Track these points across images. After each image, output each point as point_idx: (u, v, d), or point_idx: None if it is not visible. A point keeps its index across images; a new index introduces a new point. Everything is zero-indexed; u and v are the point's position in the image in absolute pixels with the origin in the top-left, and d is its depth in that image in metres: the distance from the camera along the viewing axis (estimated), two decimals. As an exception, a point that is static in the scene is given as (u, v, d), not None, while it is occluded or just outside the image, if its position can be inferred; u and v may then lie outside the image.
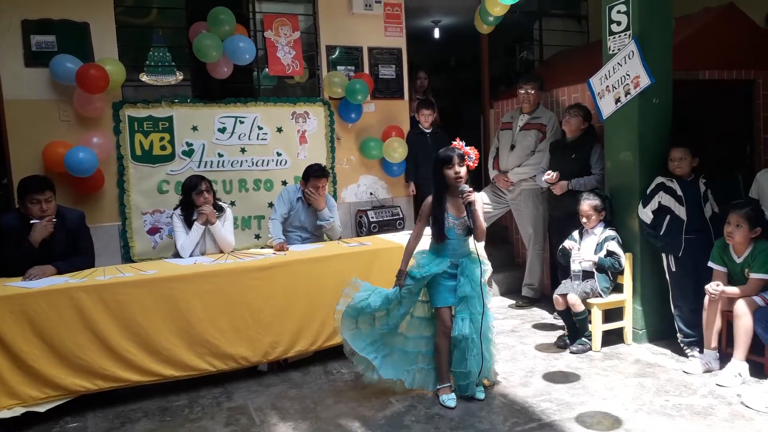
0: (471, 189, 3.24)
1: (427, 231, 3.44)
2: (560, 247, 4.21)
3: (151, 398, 3.52)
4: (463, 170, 3.25)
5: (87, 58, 4.59)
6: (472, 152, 3.31)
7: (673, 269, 3.85)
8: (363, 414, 3.22)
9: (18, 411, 3.14)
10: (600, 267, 4.02)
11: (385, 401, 3.38)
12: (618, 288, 4.14)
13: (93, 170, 4.47)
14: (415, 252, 3.44)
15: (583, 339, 4.01)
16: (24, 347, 3.19)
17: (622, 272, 4.08)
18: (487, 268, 3.47)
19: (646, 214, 3.92)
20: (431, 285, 3.35)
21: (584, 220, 4.12)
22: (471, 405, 3.27)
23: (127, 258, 4.79)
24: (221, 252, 4.21)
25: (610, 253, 4.01)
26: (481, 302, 3.28)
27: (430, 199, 3.38)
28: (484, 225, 3.33)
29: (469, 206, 3.22)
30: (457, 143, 3.33)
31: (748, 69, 4.73)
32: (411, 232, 4.74)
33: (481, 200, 3.43)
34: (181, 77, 5.17)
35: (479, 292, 3.28)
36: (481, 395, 3.33)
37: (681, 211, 3.77)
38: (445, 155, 3.27)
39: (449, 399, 3.27)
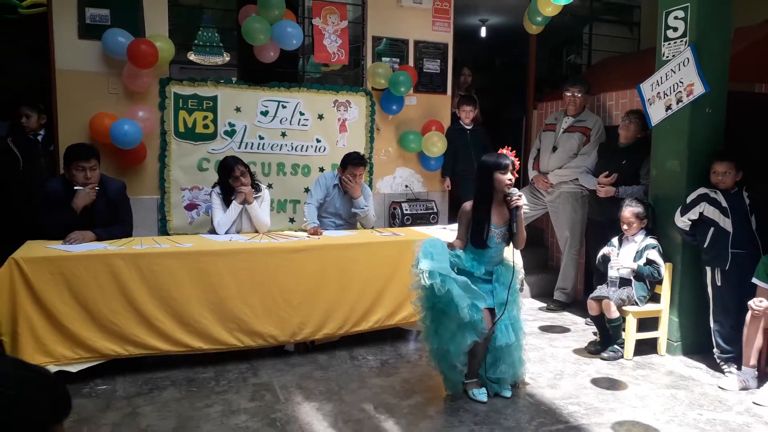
0: (520, 193, 3.21)
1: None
2: (600, 253, 4.13)
3: (178, 368, 3.56)
4: (512, 177, 3.22)
5: (138, 34, 4.66)
6: (517, 161, 3.28)
7: (718, 283, 3.73)
8: (387, 401, 3.21)
9: (51, 369, 3.20)
10: (638, 275, 3.92)
11: (410, 390, 3.35)
12: (655, 298, 4.04)
13: (137, 143, 4.54)
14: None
15: (615, 346, 3.93)
16: (60, 308, 3.26)
17: (660, 282, 3.97)
18: (521, 275, 3.43)
19: (683, 221, 3.82)
20: None
21: (625, 227, 4.03)
22: (496, 402, 3.23)
23: (164, 231, 4.86)
24: (256, 232, 4.25)
25: (649, 262, 3.92)
26: (517, 308, 3.27)
27: (469, 205, 3.30)
28: (525, 233, 3.29)
29: (516, 210, 3.18)
30: (506, 151, 3.27)
31: (807, 84, 4.57)
32: (445, 226, 4.75)
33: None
34: (227, 58, 5.23)
35: (515, 299, 3.26)
36: (507, 393, 3.29)
37: (726, 224, 3.66)
38: (500, 161, 3.20)
39: (480, 393, 3.23)
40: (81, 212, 3.74)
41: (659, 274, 3.91)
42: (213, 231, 4.23)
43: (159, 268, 3.45)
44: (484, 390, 3.25)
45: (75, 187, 3.72)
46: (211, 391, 3.29)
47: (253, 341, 3.64)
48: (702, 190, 3.76)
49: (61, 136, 4.58)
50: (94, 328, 3.32)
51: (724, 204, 3.66)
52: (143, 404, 3.11)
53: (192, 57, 5.12)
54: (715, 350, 3.73)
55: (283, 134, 5.22)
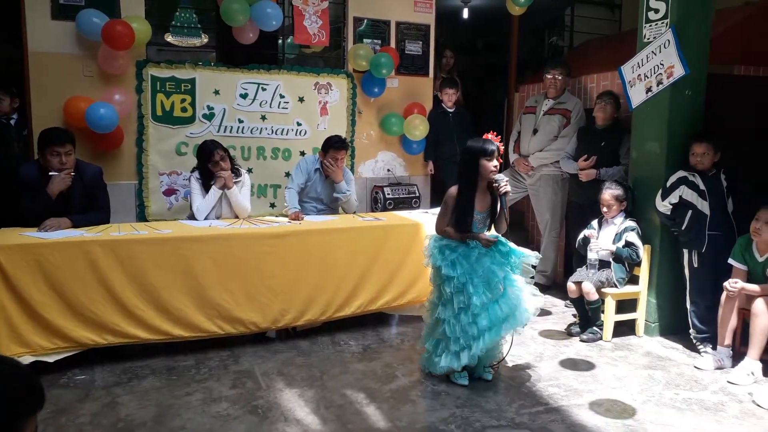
0: (506, 179, 3.21)
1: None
2: (581, 235, 4.15)
3: (158, 357, 3.53)
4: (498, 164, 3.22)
5: (114, 14, 4.55)
6: (501, 146, 3.28)
7: (695, 265, 3.78)
8: (369, 386, 3.22)
9: (27, 359, 3.17)
10: (617, 257, 3.96)
11: (392, 375, 3.37)
12: (633, 279, 4.08)
13: (113, 127, 4.46)
14: (430, 241, 3.36)
15: (594, 328, 3.97)
16: (36, 297, 3.20)
17: (639, 264, 4.02)
18: None
19: (664, 206, 3.85)
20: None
21: (605, 209, 4.06)
22: (477, 384, 3.25)
23: (142, 217, 4.80)
24: (236, 217, 4.21)
25: (628, 244, 3.95)
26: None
27: (454, 190, 3.27)
28: (509, 218, 3.32)
29: (504, 197, 3.20)
30: (492, 136, 3.25)
31: (785, 67, 4.60)
32: (427, 210, 4.74)
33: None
34: (206, 40, 5.14)
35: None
36: (489, 376, 3.31)
37: (704, 206, 3.69)
38: (486, 146, 3.18)
39: (461, 377, 3.25)
40: (56, 198, 3.67)
41: (638, 256, 3.95)
42: (192, 217, 4.18)
43: (137, 255, 3.41)
44: (465, 374, 3.27)
45: (50, 173, 3.64)
46: (192, 379, 3.27)
47: (234, 328, 3.62)
48: (681, 173, 3.79)
49: (35, 120, 4.48)
50: (72, 317, 3.27)
51: (702, 187, 3.70)
52: (122, 393, 3.08)
53: (169, 38, 5.02)
54: (691, 331, 3.79)
55: (263, 117, 5.16)
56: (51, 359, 3.25)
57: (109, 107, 4.42)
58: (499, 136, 3.29)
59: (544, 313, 4.59)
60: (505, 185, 3.18)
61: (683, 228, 3.78)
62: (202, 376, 3.32)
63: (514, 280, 3.23)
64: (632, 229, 3.98)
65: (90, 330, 3.31)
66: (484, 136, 3.26)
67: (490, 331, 3.14)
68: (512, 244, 3.33)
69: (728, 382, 3.31)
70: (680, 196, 3.77)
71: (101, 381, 3.24)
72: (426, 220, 4.19)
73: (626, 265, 4.01)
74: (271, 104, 5.17)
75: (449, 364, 3.18)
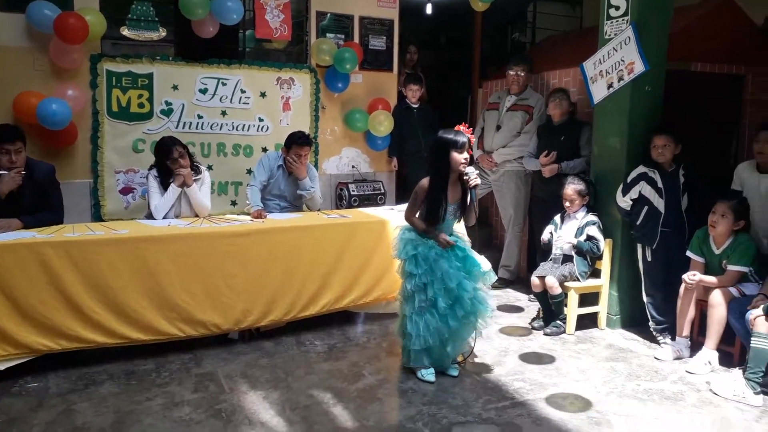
0: (477, 172, 3.22)
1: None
2: (546, 232, 4.20)
3: (116, 361, 3.42)
4: (468, 156, 3.22)
5: (66, 6, 4.38)
6: (472, 138, 3.29)
7: (649, 259, 3.86)
8: (335, 386, 3.18)
9: (-24, 367, 3.04)
10: (579, 250, 4.01)
11: (358, 374, 3.34)
12: (595, 273, 4.14)
13: (66, 123, 4.29)
14: (398, 234, 3.37)
15: (558, 322, 4.02)
16: (-15, 302, 3.06)
17: (600, 257, 4.07)
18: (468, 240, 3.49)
19: (625, 201, 3.91)
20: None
21: (567, 204, 4.10)
22: (444, 381, 3.24)
23: (98, 217, 4.65)
24: (196, 216, 4.11)
25: (589, 238, 4.01)
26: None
27: (426, 182, 3.26)
28: (478, 210, 3.34)
29: (473, 190, 3.20)
30: (464, 128, 3.25)
31: (740, 65, 4.72)
32: (393, 207, 4.72)
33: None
34: (163, 34, 5.00)
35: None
36: (454, 372, 3.31)
37: (660, 204, 3.76)
38: (456, 138, 3.18)
39: (429, 374, 3.25)
40: (6, 198, 3.53)
41: (598, 249, 4.00)
42: (150, 216, 4.06)
43: (93, 256, 3.29)
44: (432, 370, 3.26)
45: (-1, 171, 3.49)
46: (152, 384, 3.17)
47: (195, 330, 3.53)
48: (641, 169, 3.85)
49: (-18, 116, 4.28)
50: (23, 322, 3.14)
51: (660, 185, 3.76)
52: (78, 401, 2.97)
53: (125, 32, 4.86)
54: (650, 322, 3.87)
55: (224, 113, 5.05)
56: (2, 366, 3.11)
57: (61, 103, 4.25)
58: (471, 128, 3.29)
59: (508, 308, 4.63)
60: (475, 178, 3.19)
61: (637, 223, 3.85)
62: (163, 380, 3.23)
63: (468, 285, 3.23)
64: (593, 223, 4.04)
65: (43, 335, 3.19)
66: (455, 128, 3.25)
67: (458, 332, 3.23)
68: (471, 251, 3.36)
69: (687, 371, 3.39)
70: (639, 192, 3.83)
71: (56, 388, 3.11)
72: (392, 216, 4.16)
73: (588, 258, 4.06)
74: (231, 99, 5.07)
75: (417, 362, 3.25)
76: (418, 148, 5.51)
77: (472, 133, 3.28)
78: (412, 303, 3.22)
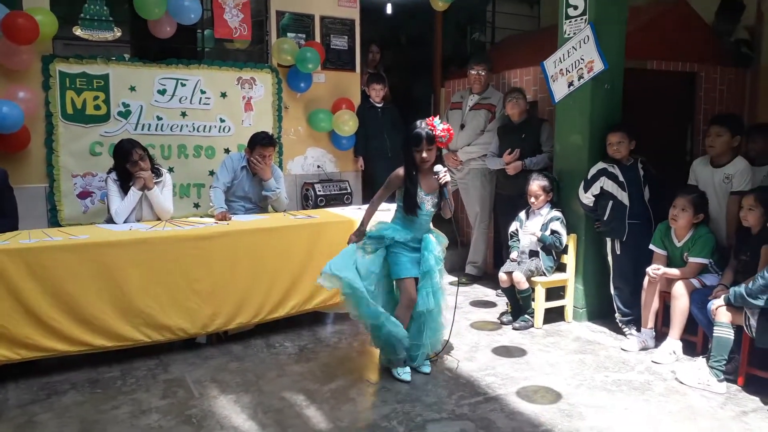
0: (446, 170, 3.21)
1: (384, 206, 3.39)
2: (512, 228, 4.25)
3: (79, 369, 3.31)
4: (430, 154, 3.17)
5: (14, 5, 4.21)
6: (447, 133, 3.21)
7: (618, 252, 3.93)
8: (307, 387, 3.14)
9: (-72, 381, 2.88)
10: (543, 244, 4.06)
11: (330, 374, 3.31)
12: (561, 268, 4.21)
13: (18, 127, 4.13)
14: (376, 222, 3.39)
15: (526, 316, 4.07)
16: (-64, 312, 2.92)
17: (563, 251, 4.14)
18: (445, 243, 3.45)
19: (587, 198, 3.98)
20: (392, 257, 3.29)
21: (533, 200, 4.15)
22: (417, 378, 3.24)
23: (55, 222, 4.48)
24: (158, 219, 4.01)
25: (552, 233, 4.06)
26: (440, 276, 3.31)
27: (401, 170, 3.26)
28: (453, 204, 3.34)
29: (445, 186, 3.20)
30: (432, 121, 3.20)
31: (693, 62, 4.88)
32: (361, 206, 4.69)
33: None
34: (119, 34, 4.85)
35: (439, 267, 3.31)
36: (427, 369, 3.32)
37: (624, 197, 3.84)
38: (414, 135, 3.17)
39: (404, 372, 3.23)
40: (-45, 205, 3.36)
41: (561, 243, 4.06)
42: (110, 220, 3.95)
43: (51, 263, 3.17)
44: (408, 369, 3.25)
45: (-53, 177, 3.33)
46: (118, 392, 3.07)
47: (161, 335, 3.44)
48: (600, 165, 3.93)
49: (-73, 120, 4.07)
50: (-22, 333, 3.01)
51: (621, 178, 3.85)
52: (40, 411, 2.85)
53: (78, 32, 4.69)
54: (616, 314, 3.95)
55: (184, 114, 4.94)
56: (-44, 379, 2.98)
57: (12, 105, 4.09)
58: (444, 120, 3.25)
59: (477, 303, 4.67)
60: (444, 175, 3.18)
61: (605, 218, 3.93)
62: (129, 387, 3.13)
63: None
64: (557, 219, 4.10)
65: (0, 345, 3.04)
66: (427, 121, 3.21)
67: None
68: (434, 262, 3.30)
69: (653, 361, 3.47)
70: (601, 188, 3.91)
71: (15, 399, 2.99)
72: (359, 216, 4.13)
73: (554, 254, 4.12)
74: (191, 100, 4.96)
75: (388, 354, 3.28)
76: (383, 147, 5.51)
77: (437, 127, 3.17)
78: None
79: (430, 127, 3.18)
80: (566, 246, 4.14)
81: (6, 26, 4.04)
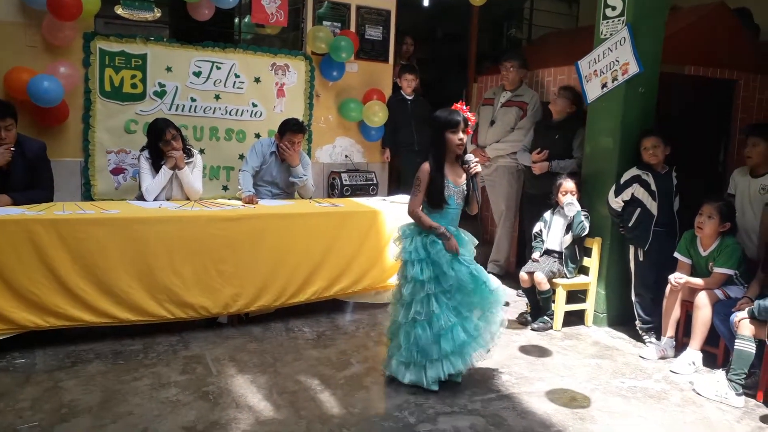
0: (477, 159, 3.13)
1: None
2: (536, 228, 4.24)
3: (104, 341, 3.41)
4: (465, 137, 3.10)
5: (60, -18, 4.31)
6: (473, 117, 3.18)
7: (640, 259, 3.89)
8: (323, 372, 3.19)
9: (-38, 341, 3.01)
10: (568, 227, 4.05)
11: (346, 362, 3.35)
12: (583, 270, 4.18)
13: (57, 101, 4.24)
14: (402, 226, 3.19)
15: (545, 317, 4.05)
16: (-28, 276, 3.04)
17: (586, 254, 4.11)
18: (474, 240, 3.25)
19: (617, 203, 3.94)
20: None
21: (568, 196, 4.07)
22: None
23: (88, 196, 4.60)
24: (187, 199, 4.09)
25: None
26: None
27: (427, 165, 3.09)
28: (480, 199, 3.22)
29: (474, 177, 3.10)
30: (460, 107, 3.14)
31: (732, 69, 4.78)
32: (385, 198, 4.71)
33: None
34: (158, 14, 4.93)
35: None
36: (458, 379, 3.13)
37: (653, 206, 3.79)
38: (451, 118, 3.04)
39: (433, 383, 3.02)
40: (-5, 174, 3.48)
41: (585, 229, 3.99)
42: (141, 197, 4.05)
43: (83, 235, 3.26)
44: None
45: (-12, 147, 3.45)
46: (140, 364, 3.16)
47: (183, 313, 3.52)
48: (634, 171, 3.87)
49: (-28, 90, 4.22)
50: (11, 298, 3.12)
51: (654, 187, 3.79)
52: (66, 378, 2.96)
53: (119, 11, 4.78)
54: (636, 321, 3.91)
55: (217, 97, 5.01)
56: (-12, 341, 3.10)
57: (53, 80, 4.20)
58: (468, 106, 3.18)
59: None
60: (475, 165, 3.08)
61: (630, 225, 3.89)
62: (150, 360, 3.22)
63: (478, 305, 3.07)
64: (583, 212, 4.05)
65: (31, 312, 3.17)
66: (452, 106, 3.14)
67: (454, 355, 2.98)
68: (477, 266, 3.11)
69: (671, 371, 3.43)
70: (632, 194, 3.86)
71: (43, 365, 3.10)
72: (384, 207, 4.17)
73: (577, 254, 4.09)
74: (225, 84, 5.03)
75: (417, 378, 3.02)
76: (411, 140, 5.52)
77: (471, 111, 3.15)
78: (407, 312, 3.02)
79: (461, 111, 3.11)
80: (589, 249, 4.11)
81: (52, 2, 4.14)
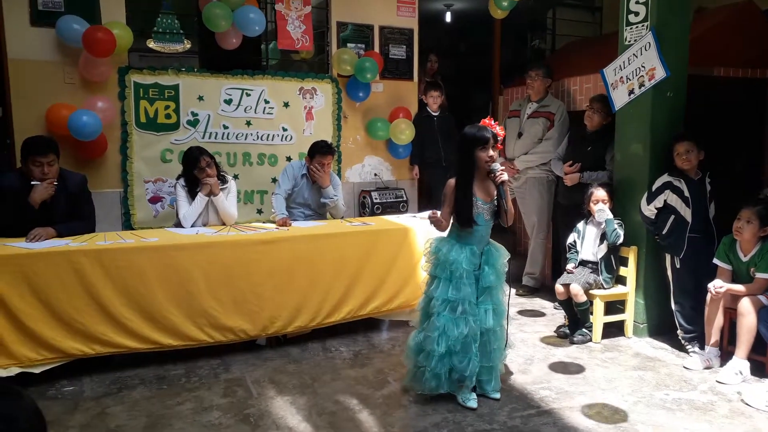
0: (503, 168, 3.07)
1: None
2: (570, 239, 4.22)
3: (148, 366, 3.50)
4: (495, 153, 3.08)
5: (94, 20, 4.50)
6: (502, 132, 3.19)
7: (677, 266, 3.82)
8: (361, 392, 3.21)
9: (13, 371, 3.12)
10: (603, 235, 4.01)
11: (383, 380, 3.36)
12: (620, 280, 4.12)
13: (96, 134, 4.40)
14: (431, 240, 3.21)
15: (584, 330, 4.00)
16: (22, 308, 3.15)
17: (622, 263, 4.06)
18: (507, 257, 3.23)
19: (650, 210, 3.88)
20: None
21: (600, 205, 4.03)
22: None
23: (128, 225, 4.74)
24: (223, 224, 4.18)
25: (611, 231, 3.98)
26: (502, 293, 3.14)
27: (453, 181, 3.09)
28: (513, 209, 3.17)
29: (501, 186, 3.04)
30: (489, 122, 3.14)
31: (763, 69, 4.69)
32: (416, 214, 4.73)
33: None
34: (188, 45, 5.10)
35: (502, 282, 3.14)
36: (497, 395, 3.13)
37: (687, 213, 3.72)
38: (480, 135, 3.02)
39: (471, 399, 3.04)
40: (39, 208, 3.61)
41: (619, 237, 3.95)
42: (179, 224, 4.14)
43: (124, 263, 3.36)
44: (474, 395, 3.07)
45: (32, 182, 3.58)
46: (182, 389, 3.23)
47: (223, 336, 3.59)
48: (666, 178, 3.81)
49: (17, 128, 4.42)
50: (58, 328, 3.23)
51: (687, 194, 3.72)
52: (112, 404, 3.04)
53: (151, 44, 4.98)
54: (678, 331, 3.83)
55: (248, 123, 5.13)
56: (37, 370, 3.20)
57: (92, 114, 4.36)
58: (497, 122, 3.18)
59: (533, 315, 4.62)
60: (501, 173, 3.02)
61: (663, 233, 3.82)
62: (193, 384, 3.29)
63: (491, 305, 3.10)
64: (616, 221, 4.00)
65: (77, 340, 3.27)
66: (481, 122, 3.13)
67: (450, 356, 3.02)
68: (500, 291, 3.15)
69: (717, 381, 3.34)
70: (665, 201, 3.80)
71: (90, 392, 3.19)
72: (414, 224, 4.19)
73: (613, 263, 4.03)
74: (255, 110, 5.15)
75: (418, 388, 3.11)
76: (438, 156, 5.55)
77: (498, 126, 3.16)
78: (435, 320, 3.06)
79: (489, 126, 3.11)
80: (626, 259, 4.06)
81: (87, 40, 4.31)
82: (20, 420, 1.08)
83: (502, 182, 3.04)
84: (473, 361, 3.03)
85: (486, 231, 3.15)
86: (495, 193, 3.10)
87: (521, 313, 4.68)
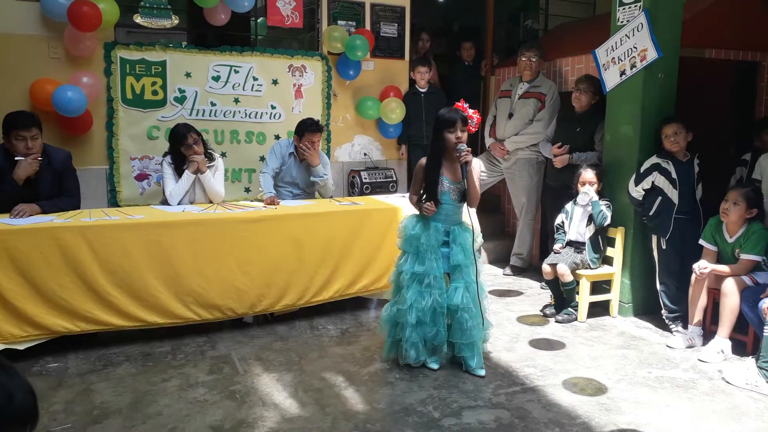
0: (469, 149, 3.13)
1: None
2: (558, 220, 4.22)
3: (133, 343, 3.49)
4: (464, 135, 3.13)
5: (79, -6, 4.40)
6: (475, 116, 3.23)
7: (663, 247, 3.84)
8: (347, 369, 3.22)
9: (-3, 348, 3.11)
10: (590, 217, 4.03)
11: (370, 358, 3.38)
12: (607, 261, 4.15)
13: (81, 110, 4.34)
14: (403, 223, 3.33)
15: (570, 309, 4.03)
16: (5, 284, 3.13)
17: (609, 244, 4.07)
18: (479, 238, 3.35)
19: (637, 191, 3.89)
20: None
21: (587, 187, 4.04)
22: (454, 366, 3.26)
23: (114, 202, 4.70)
24: (210, 202, 4.15)
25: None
26: (474, 270, 3.18)
27: (424, 160, 3.23)
28: (479, 190, 3.23)
29: (465, 166, 3.10)
30: (461, 105, 3.21)
31: (755, 51, 4.68)
32: (405, 194, 4.72)
33: (479, 167, 3.33)
34: (176, 21, 5.01)
35: (473, 261, 3.19)
36: (482, 372, 3.17)
37: (674, 195, 3.73)
38: (448, 117, 3.11)
39: (433, 361, 3.23)
40: (24, 184, 3.58)
41: (606, 218, 3.97)
42: (165, 202, 4.11)
43: (109, 240, 3.34)
44: (435, 357, 3.24)
45: (16, 158, 3.54)
46: (168, 366, 3.23)
47: (210, 314, 3.58)
48: (654, 160, 3.82)
49: (0, 103, 4.33)
50: (42, 305, 3.21)
51: (674, 176, 3.73)
52: (97, 381, 3.04)
53: (138, 20, 4.87)
54: (662, 311, 3.86)
55: (236, 100, 5.07)
56: (21, 347, 3.19)
57: (77, 90, 4.30)
58: (468, 105, 3.23)
59: (519, 294, 4.65)
60: (466, 154, 3.08)
61: (651, 214, 3.84)
62: (179, 362, 3.29)
63: (466, 281, 3.18)
64: (603, 202, 4.01)
65: (62, 317, 3.26)
66: (455, 105, 3.21)
67: (421, 326, 3.16)
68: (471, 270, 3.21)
69: (699, 360, 3.38)
70: (653, 182, 3.81)
71: (75, 368, 3.19)
72: (404, 204, 4.17)
73: (600, 243, 4.05)
74: (244, 87, 5.09)
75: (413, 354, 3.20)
76: (421, 134, 5.48)
77: (474, 110, 3.22)
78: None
79: (459, 109, 3.18)
80: (613, 239, 4.07)
81: (72, 14, 4.23)
82: (16, 397, 1.07)
83: (466, 162, 3.10)
84: (440, 332, 3.18)
85: (453, 210, 3.24)
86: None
87: (508, 292, 4.70)
